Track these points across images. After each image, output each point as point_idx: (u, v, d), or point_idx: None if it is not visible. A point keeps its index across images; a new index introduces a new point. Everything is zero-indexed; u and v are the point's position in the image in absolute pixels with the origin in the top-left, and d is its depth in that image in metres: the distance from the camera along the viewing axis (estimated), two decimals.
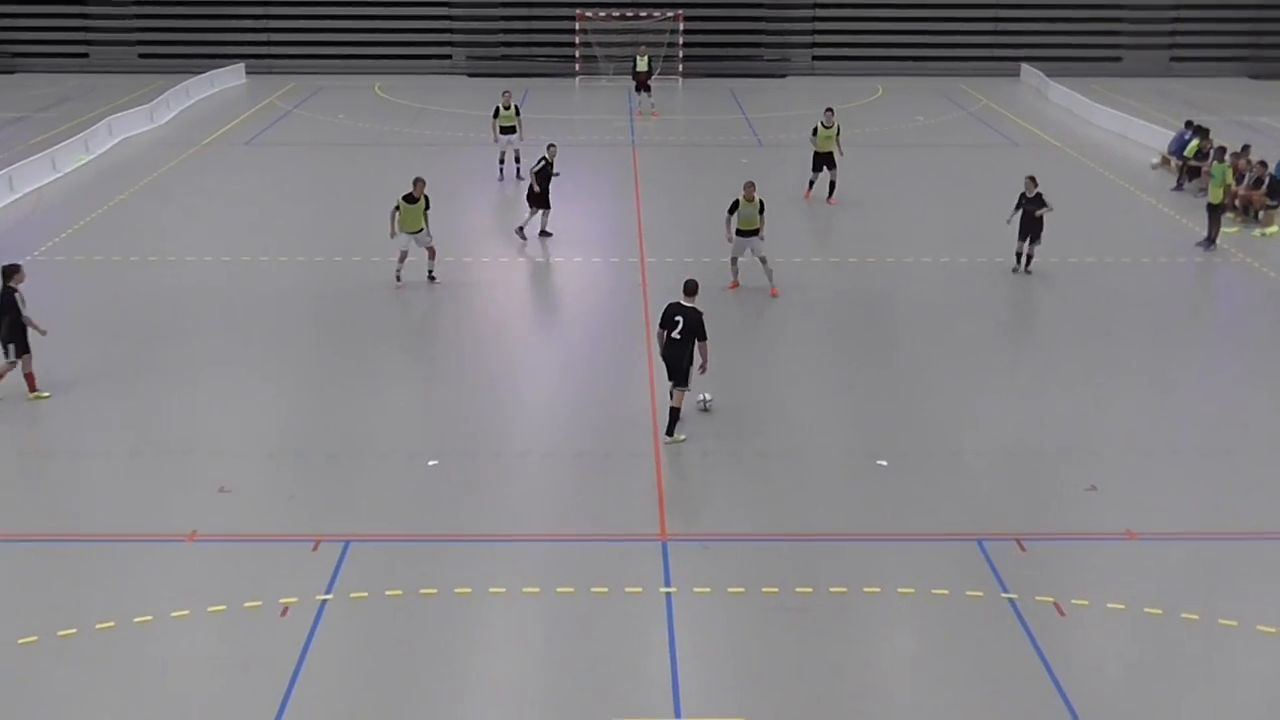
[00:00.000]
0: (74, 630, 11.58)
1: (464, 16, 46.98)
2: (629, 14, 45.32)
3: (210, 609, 11.93)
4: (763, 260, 20.87)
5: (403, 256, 21.20)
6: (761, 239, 20.74)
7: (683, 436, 15.54)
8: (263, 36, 46.75)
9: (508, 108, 28.73)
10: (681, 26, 45.42)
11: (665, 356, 15.45)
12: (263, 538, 13.35)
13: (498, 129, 28.92)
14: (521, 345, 19.17)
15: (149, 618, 11.79)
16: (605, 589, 12.36)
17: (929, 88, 43.71)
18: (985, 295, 21.32)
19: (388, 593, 12.28)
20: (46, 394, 16.57)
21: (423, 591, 12.30)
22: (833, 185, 26.79)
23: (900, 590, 12.40)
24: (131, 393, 17.10)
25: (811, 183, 27.04)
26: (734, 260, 21.05)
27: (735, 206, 20.60)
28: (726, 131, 35.53)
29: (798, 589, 12.37)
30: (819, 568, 12.80)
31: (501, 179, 29.05)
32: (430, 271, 21.42)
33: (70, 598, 12.18)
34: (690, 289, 15.56)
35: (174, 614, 11.86)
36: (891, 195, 28.02)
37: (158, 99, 36.99)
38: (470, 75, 46.14)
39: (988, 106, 40.20)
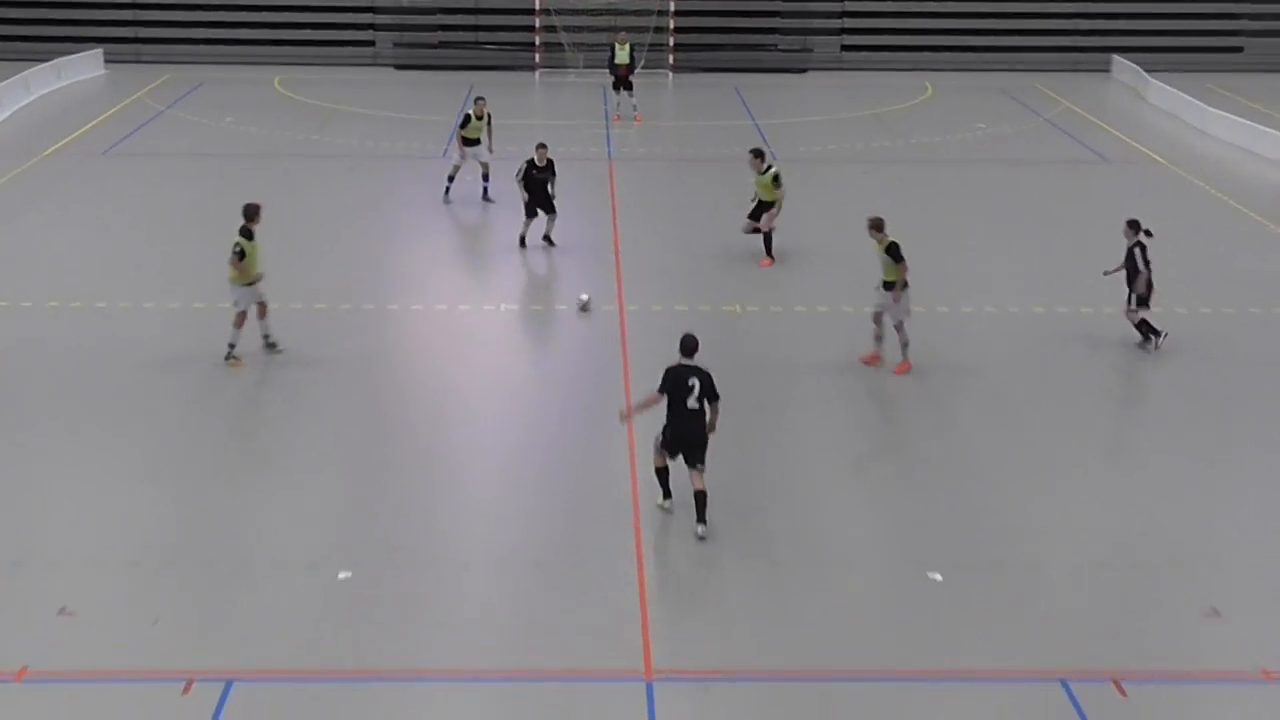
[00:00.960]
0: None
1: None
2: None
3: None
4: (898, 327, 20.49)
5: (241, 319, 20.40)
6: (897, 299, 20.34)
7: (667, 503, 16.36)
8: (128, 14, 47.06)
9: (480, 117, 29.27)
10: (673, 6, 45.94)
11: (680, 432, 15.80)
12: (117, 675, 13.15)
13: (461, 140, 29.43)
14: (461, 422, 19.08)
15: None
16: None
17: (992, 86, 44.21)
18: (1068, 356, 21.39)
19: None
20: None
21: None
22: (767, 241, 25.55)
23: None
24: None
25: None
26: (876, 318, 20.73)
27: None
28: (729, 141, 35.77)
29: None
30: (854, 716, 12.68)
31: (448, 201, 29.24)
32: (267, 338, 20.84)
33: None
34: (692, 347, 15.97)
35: None
36: (945, 227, 28.19)
37: None
38: (399, 67, 46.53)
39: (1069, 110, 40.66)
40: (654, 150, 35.07)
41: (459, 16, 47.80)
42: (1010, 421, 19.10)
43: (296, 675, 13.18)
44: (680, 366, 15.79)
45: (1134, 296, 21.31)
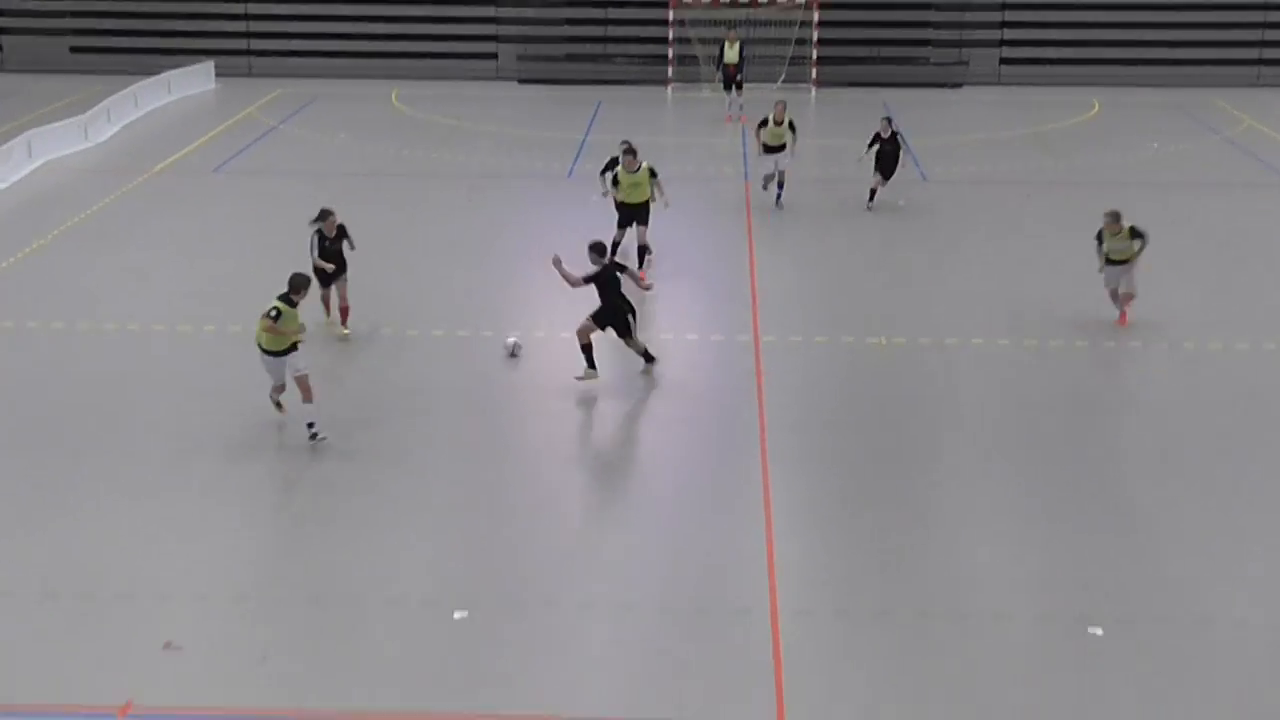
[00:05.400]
0: None
1: (515, 2, 48.03)
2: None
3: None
4: (1128, 296, 23.84)
5: (276, 393, 19.99)
6: (1131, 269, 23.65)
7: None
8: (240, 26, 48.19)
9: (780, 123, 30.95)
10: (816, 17, 46.07)
11: (613, 311, 21.13)
12: (224, 714, 13.52)
13: (763, 148, 31.10)
14: (584, 457, 19.33)
15: None
16: None
17: (1166, 102, 43.78)
18: (1253, 398, 21.14)
19: None
20: (347, 331, 23.05)
21: None
22: (643, 252, 26.28)
23: None
24: (47, 512, 17.55)
25: (615, 244, 25.80)
26: (1112, 295, 24.03)
27: (1101, 235, 23.71)
28: None
29: None
30: None
31: (779, 205, 31.23)
32: (313, 431, 19.39)
33: None
34: (602, 249, 21.32)
35: None
36: None
37: (94, 108, 38.31)
38: (522, 81, 47.15)
39: (1253, 129, 40.11)
40: (794, 171, 35.11)
41: (587, 28, 48.34)
42: (1187, 467, 18.91)
43: (410, 719, 13.49)
44: (606, 268, 21.08)
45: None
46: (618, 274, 21.28)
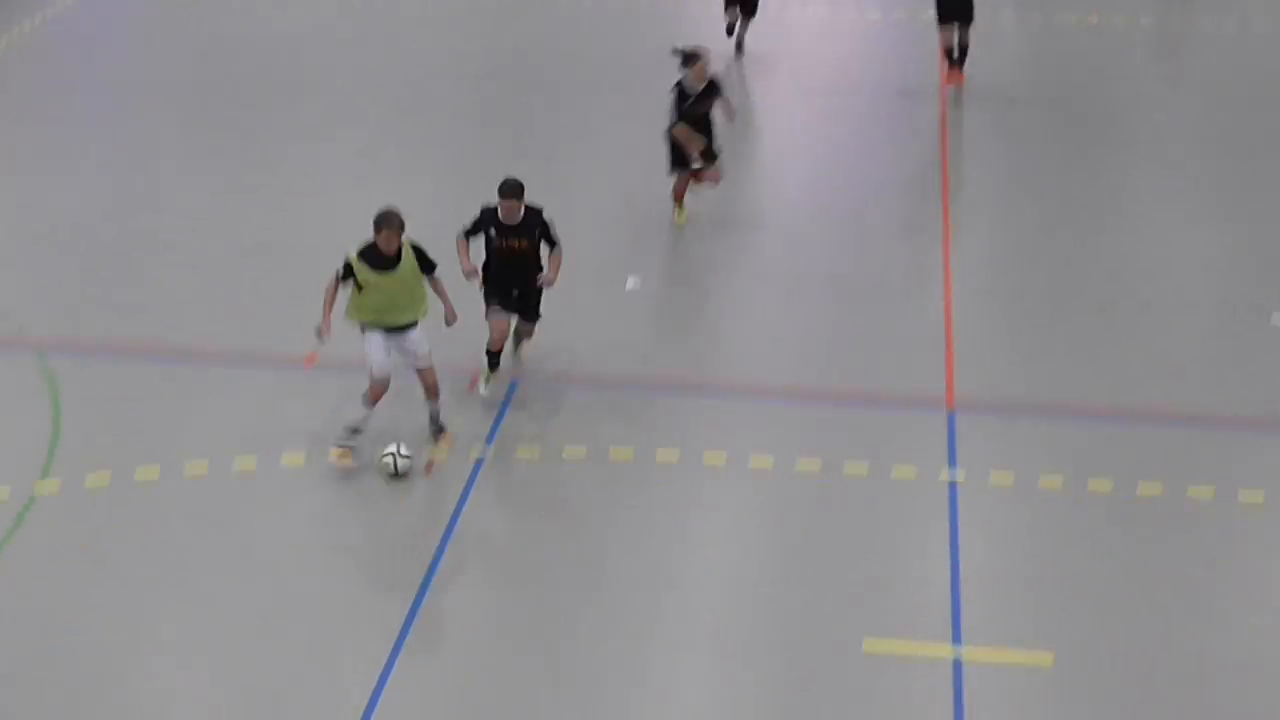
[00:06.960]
0: (155, 471, 12.47)
1: None
2: None
3: (334, 454, 12.58)
4: None
5: (374, 396, 12.57)
6: None
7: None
8: None
9: None
10: None
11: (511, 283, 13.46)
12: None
13: None
14: (754, 135, 19.15)
15: (251, 461, 12.60)
16: (864, 468, 12.56)
17: None
18: None
19: (567, 450, 12.77)
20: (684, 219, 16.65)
21: (614, 451, 12.74)
22: (964, 52, 19.97)
23: None
24: (239, 170, 17.98)
25: (949, 54, 19.95)
26: None
27: None
28: None
29: (1139, 487, 12.32)
30: (1172, 460, 12.71)
31: None
32: (436, 418, 12.96)
33: (151, 429, 13.09)
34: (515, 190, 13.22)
35: (285, 460, 12.63)
36: None
37: None
38: None
39: None
40: None
41: None
42: None
43: (579, 381, 13.81)
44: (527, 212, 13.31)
45: None
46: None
